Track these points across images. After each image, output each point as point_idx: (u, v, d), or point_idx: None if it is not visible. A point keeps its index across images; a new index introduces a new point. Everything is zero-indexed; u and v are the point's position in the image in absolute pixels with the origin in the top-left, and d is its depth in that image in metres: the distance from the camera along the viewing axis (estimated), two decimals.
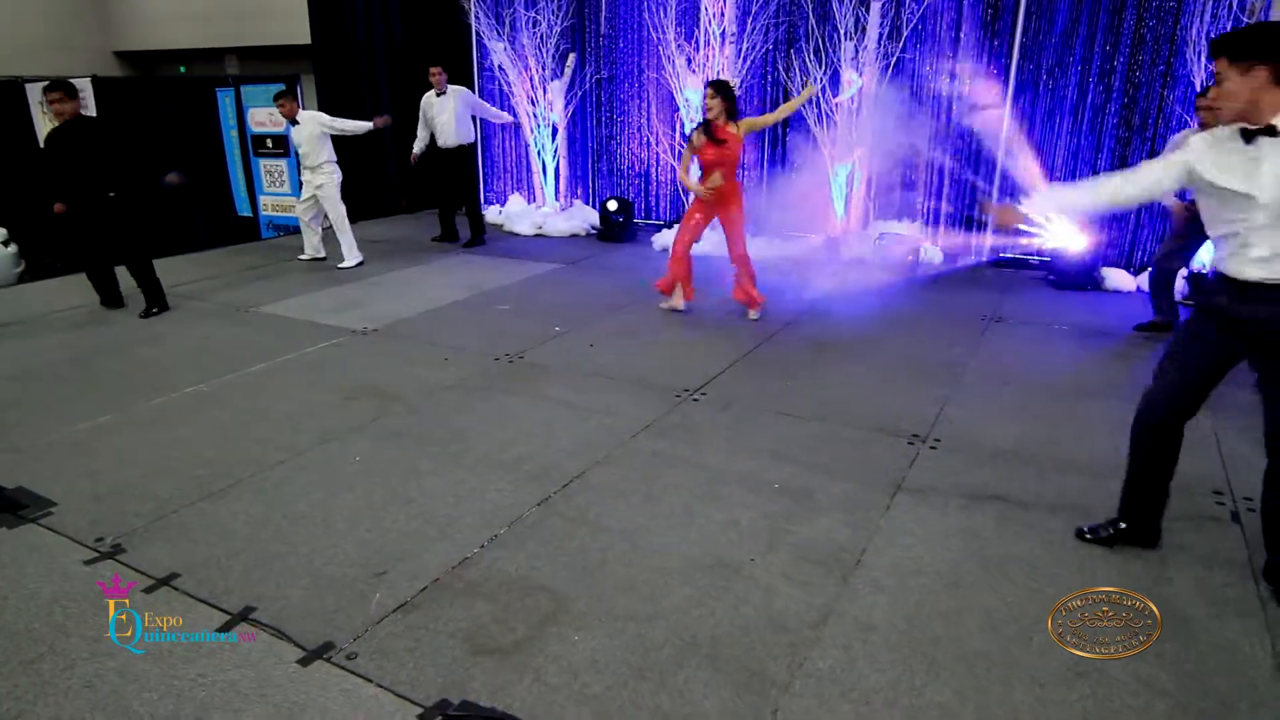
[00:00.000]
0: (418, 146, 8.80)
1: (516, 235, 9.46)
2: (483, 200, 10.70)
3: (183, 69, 15.66)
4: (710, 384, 4.74)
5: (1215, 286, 2.75)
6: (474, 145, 8.92)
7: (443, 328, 5.88)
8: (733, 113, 5.67)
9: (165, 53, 15.48)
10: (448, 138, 8.60)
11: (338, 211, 7.72)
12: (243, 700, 2.29)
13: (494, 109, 9.13)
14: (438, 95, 8.55)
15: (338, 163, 7.69)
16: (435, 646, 2.51)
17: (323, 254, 8.07)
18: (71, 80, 6.35)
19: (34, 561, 2.94)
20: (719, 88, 5.60)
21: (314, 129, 7.49)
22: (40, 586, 2.80)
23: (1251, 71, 2.52)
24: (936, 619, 2.66)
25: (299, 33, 11.28)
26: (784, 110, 6.10)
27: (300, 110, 7.57)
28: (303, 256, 8.11)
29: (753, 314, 6.03)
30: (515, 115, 9.76)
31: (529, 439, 3.99)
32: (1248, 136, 2.57)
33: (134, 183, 6.04)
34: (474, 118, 8.87)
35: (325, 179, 7.62)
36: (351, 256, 7.81)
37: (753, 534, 3.15)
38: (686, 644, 2.53)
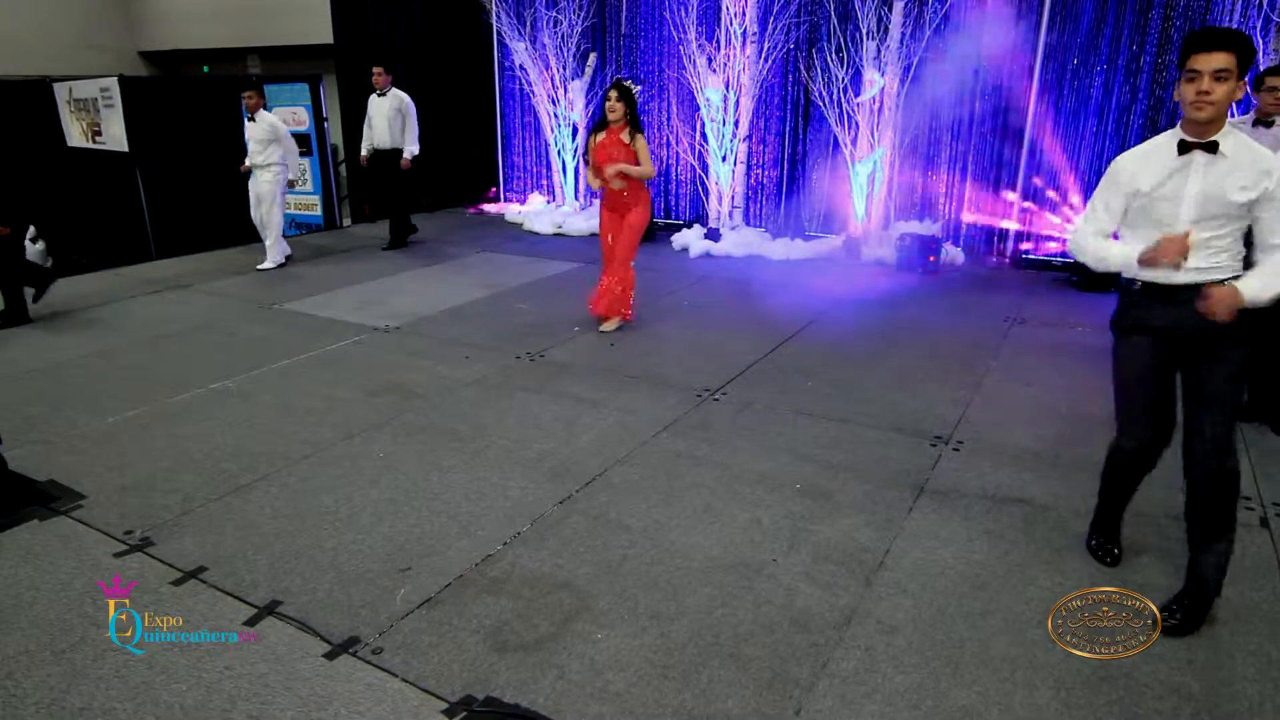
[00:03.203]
0: (365, 148, 8.63)
1: (536, 234, 9.48)
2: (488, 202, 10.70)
3: (206, 68, 15.81)
4: (730, 384, 4.73)
5: (1145, 297, 2.63)
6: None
7: (463, 325, 5.91)
8: (634, 121, 5.48)
9: (188, 52, 15.63)
10: (383, 139, 8.46)
11: (274, 212, 7.66)
12: (269, 693, 2.32)
13: (413, 132, 8.45)
14: (379, 96, 8.35)
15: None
16: (459, 642, 2.53)
17: (283, 258, 7.88)
18: (99, 79, 6.38)
19: (66, 553, 2.99)
20: (623, 93, 5.43)
21: (266, 131, 7.44)
22: (72, 578, 2.84)
23: (1236, 83, 2.39)
24: (960, 621, 2.65)
25: (321, 32, 11.35)
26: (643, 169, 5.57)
27: (263, 110, 7.55)
28: (265, 266, 7.74)
29: (607, 326, 5.72)
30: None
31: (550, 437, 4.01)
32: (1184, 148, 2.48)
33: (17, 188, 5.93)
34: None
35: (270, 177, 7.57)
36: (272, 258, 7.73)
37: (774, 534, 3.15)
38: (709, 643, 2.54)
